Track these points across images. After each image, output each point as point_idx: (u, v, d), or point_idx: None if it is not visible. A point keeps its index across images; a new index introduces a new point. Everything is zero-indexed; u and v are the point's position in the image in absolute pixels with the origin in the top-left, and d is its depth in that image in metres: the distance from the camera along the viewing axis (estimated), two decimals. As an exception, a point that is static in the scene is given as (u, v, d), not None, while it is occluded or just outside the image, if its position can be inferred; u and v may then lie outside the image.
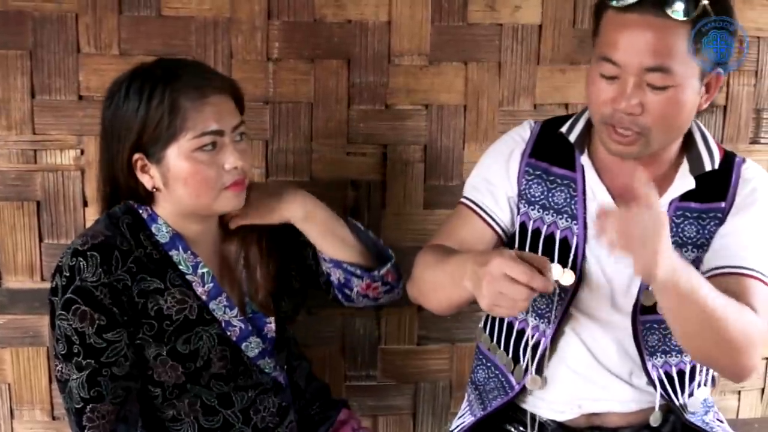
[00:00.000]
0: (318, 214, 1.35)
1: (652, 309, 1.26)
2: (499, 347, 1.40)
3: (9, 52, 1.53)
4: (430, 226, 1.66)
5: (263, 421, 1.30)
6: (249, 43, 1.58)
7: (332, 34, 1.61)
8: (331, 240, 1.36)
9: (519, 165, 1.33)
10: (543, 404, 1.37)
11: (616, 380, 1.33)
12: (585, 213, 1.28)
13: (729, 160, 1.28)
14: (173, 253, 1.24)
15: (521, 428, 1.39)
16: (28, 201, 1.59)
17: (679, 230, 1.26)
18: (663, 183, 1.24)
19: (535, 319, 1.34)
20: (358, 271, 1.36)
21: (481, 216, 1.33)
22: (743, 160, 1.29)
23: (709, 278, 1.15)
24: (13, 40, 1.52)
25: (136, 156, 1.20)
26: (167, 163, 1.20)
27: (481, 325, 1.49)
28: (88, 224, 1.54)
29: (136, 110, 1.18)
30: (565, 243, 1.29)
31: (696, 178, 1.25)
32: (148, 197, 1.24)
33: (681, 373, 1.32)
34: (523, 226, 1.33)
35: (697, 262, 1.25)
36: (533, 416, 1.38)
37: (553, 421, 1.37)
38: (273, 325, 1.32)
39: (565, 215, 1.29)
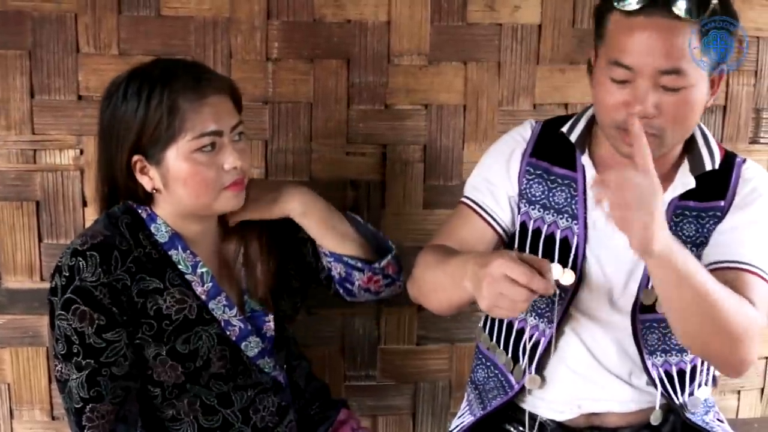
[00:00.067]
0: (317, 208, 1.35)
1: (652, 308, 1.27)
2: (499, 347, 1.40)
3: (8, 52, 1.52)
4: (429, 226, 1.66)
5: (263, 420, 1.30)
6: (248, 43, 1.58)
7: (332, 34, 1.60)
8: (331, 234, 1.36)
9: (520, 165, 1.33)
10: (542, 404, 1.37)
11: (616, 380, 1.33)
12: (585, 213, 1.28)
13: (729, 160, 1.28)
14: (172, 252, 1.24)
15: (521, 428, 1.39)
16: (27, 201, 1.58)
17: (678, 229, 1.26)
18: (664, 182, 1.23)
19: (535, 319, 1.34)
20: (359, 264, 1.36)
21: (481, 216, 1.32)
22: (744, 161, 1.29)
23: None
24: (13, 40, 1.52)
25: (136, 158, 1.20)
26: (166, 164, 1.20)
27: (481, 324, 1.48)
28: (88, 224, 1.54)
29: (134, 111, 1.18)
30: (565, 243, 1.29)
31: (696, 177, 1.25)
32: (147, 198, 1.24)
33: (681, 373, 1.32)
34: (523, 226, 1.33)
35: (696, 261, 1.25)
36: (533, 416, 1.38)
37: (553, 421, 1.37)
38: (272, 324, 1.32)
39: (566, 215, 1.29)
